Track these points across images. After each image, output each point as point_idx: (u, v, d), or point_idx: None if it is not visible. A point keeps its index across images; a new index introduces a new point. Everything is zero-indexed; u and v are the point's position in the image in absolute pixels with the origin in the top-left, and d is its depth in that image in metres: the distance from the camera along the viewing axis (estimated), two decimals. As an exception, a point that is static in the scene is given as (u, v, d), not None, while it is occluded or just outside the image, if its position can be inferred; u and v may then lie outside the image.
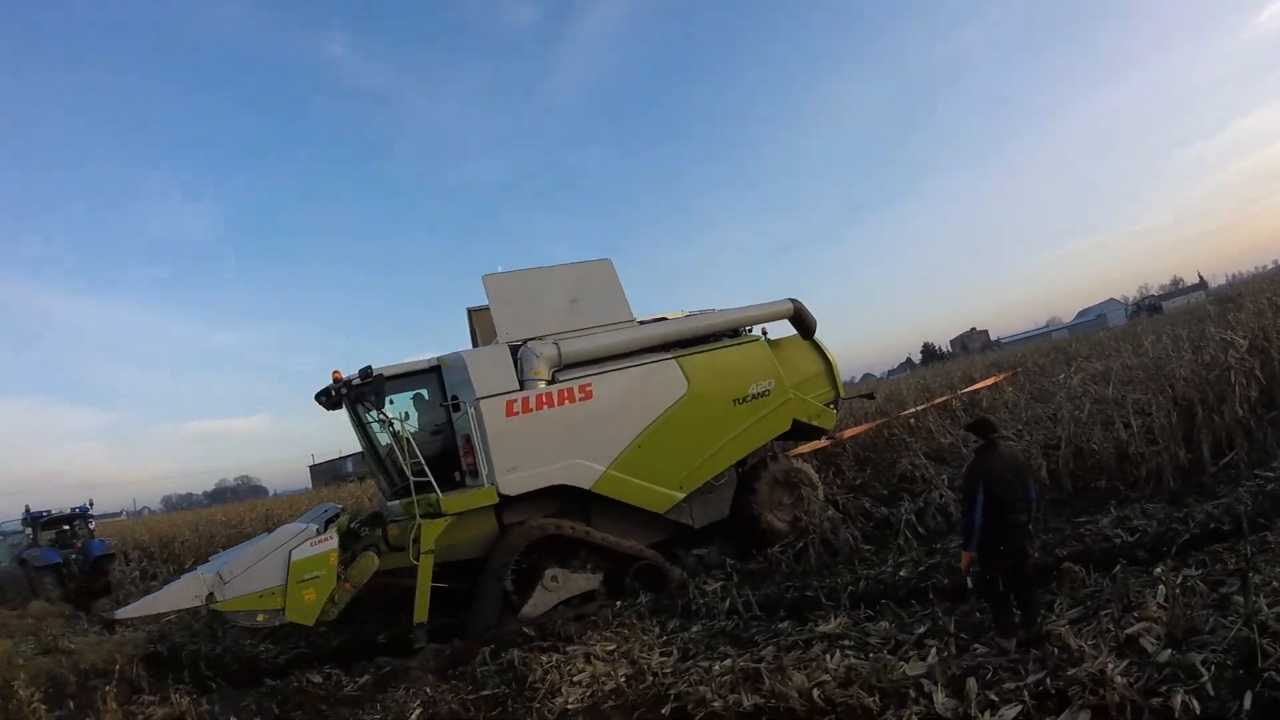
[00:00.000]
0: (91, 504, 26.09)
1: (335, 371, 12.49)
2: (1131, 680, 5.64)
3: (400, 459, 12.22)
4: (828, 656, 7.78)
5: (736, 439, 14.42)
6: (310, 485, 67.03)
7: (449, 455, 12.82)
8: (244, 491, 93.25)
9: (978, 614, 8.25)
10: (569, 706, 8.29)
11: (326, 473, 68.46)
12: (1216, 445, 11.77)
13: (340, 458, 71.96)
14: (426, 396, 13.34)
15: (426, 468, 12.00)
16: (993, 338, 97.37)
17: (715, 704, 7.25)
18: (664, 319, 14.98)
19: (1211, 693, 5.21)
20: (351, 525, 12.61)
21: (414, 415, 13.22)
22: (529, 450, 12.46)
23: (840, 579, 10.85)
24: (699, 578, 12.21)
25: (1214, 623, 6.22)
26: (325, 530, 11.82)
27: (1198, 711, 5.05)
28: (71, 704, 10.74)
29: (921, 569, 10.45)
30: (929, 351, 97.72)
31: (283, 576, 11.22)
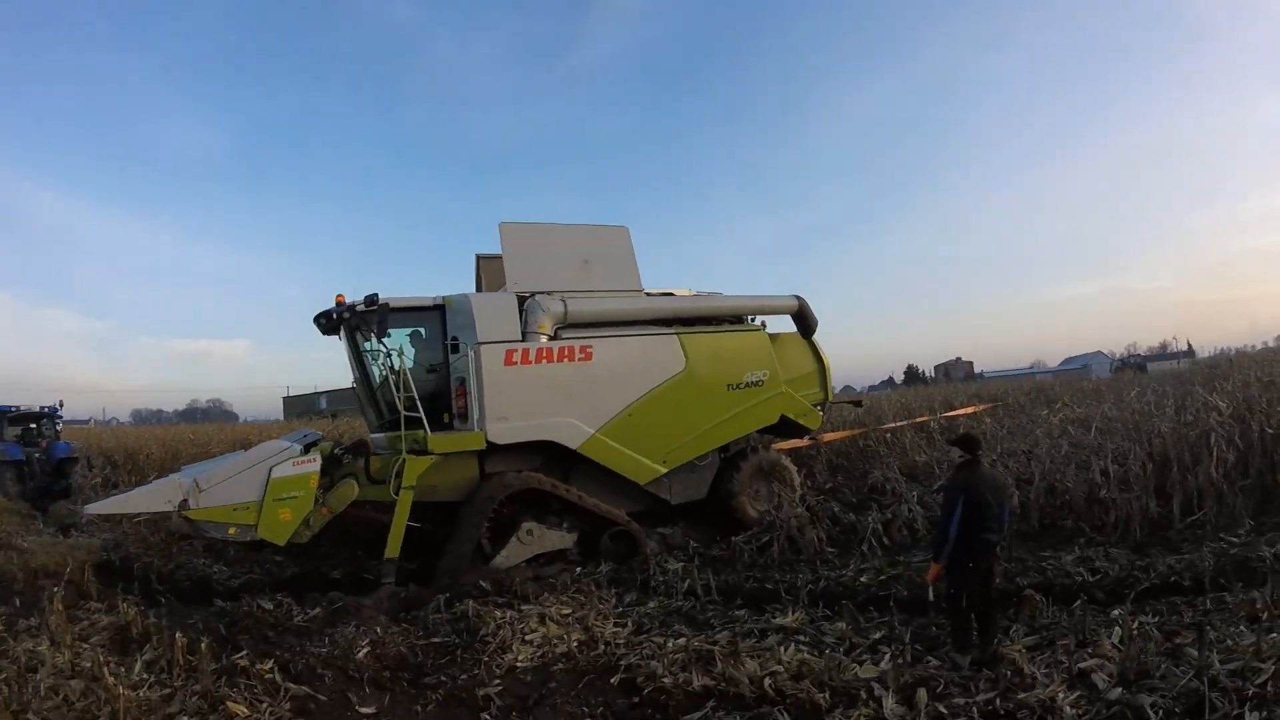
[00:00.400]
0: (61, 405, 25.80)
1: (339, 295, 12.51)
2: (1080, 713, 5.71)
3: (394, 392, 12.23)
4: (782, 649, 7.83)
5: (725, 423, 14.57)
6: (282, 416, 66.94)
7: (440, 397, 12.91)
8: (215, 414, 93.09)
9: (934, 628, 8.33)
10: (518, 664, 8.32)
11: (300, 406, 68.33)
12: (1187, 503, 11.84)
13: (315, 393, 71.80)
14: (424, 334, 13.34)
15: (419, 405, 11.92)
16: (976, 369, 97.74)
17: (665, 680, 7.28)
18: (671, 294, 15.08)
19: (1157, 737, 5.28)
20: (335, 451, 12.55)
21: (409, 352, 13.04)
22: (522, 402, 12.52)
23: (801, 576, 10.89)
24: (660, 556, 12.22)
25: (1165, 669, 6.27)
26: (307, 454, 11.70)
27: (1141, 753, 5.12)
28: (17, 601, 10.67)
29: (883, 578, 10.50)
30: (912, 373, 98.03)
31: (260, 493, 11.16)
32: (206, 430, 35.12)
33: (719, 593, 10.51)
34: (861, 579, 10.63)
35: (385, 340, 12.43)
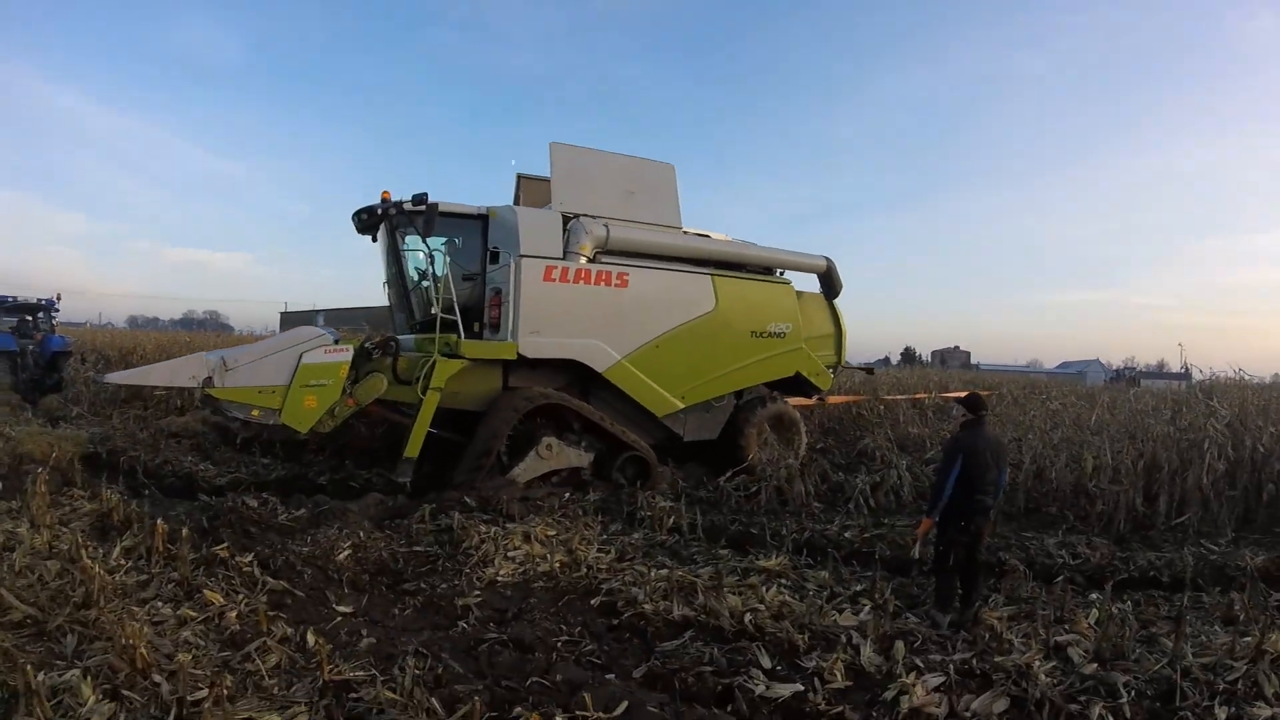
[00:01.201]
0: (59, 298, 25.66)
1: (385, 191, 12.58)
2: (1054, 682, 5.73)
3: (431, 294, 12.66)
4: (765, 588, 7.90)
5: (744, 369, 14.97)
6: (278, 332, 66.69)
7: (472, 307, 12.98)
8: (211, 326, 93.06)
9: (915, 587, 8.42)
10: (499, 578, 8.38)
11: (297, 322, 68.09)
12: (1172, 505, 11.91)
13: (313, 310, 71.55)
14: (460, 243, 13.33)
15: (456, 308, 12.19)
16: (973, 360, 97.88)
17: (645, 606, 7.34)
18: (707, 236, 15.23)
19: (1128, 715, 5.30)
20: (364, 345, 12.53)
21: (441, 258, 13.08)
22: (555, 319, 12.73)
23: (787, 525, 10.95)
24: (647, 491, 12.22)
25: (1140, 654, 6.33)
26: (338, 344, 11.82)
27: (1111, 728, 5.15)
28: (1, 485, 10.66)
29: (867, 535, 10.56)
30: (909, 355, 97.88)
31: (288, 377, 11.32)
32: (203, 337, 34.89)
33: (704, 532, 10.57)
34: (846, 534, 10.71)
35: (429, 241, 12.55)
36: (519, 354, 12.42)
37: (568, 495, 11.65)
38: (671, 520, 10.84)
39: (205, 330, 73.40)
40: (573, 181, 13.50)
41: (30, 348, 23.58)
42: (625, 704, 5.12)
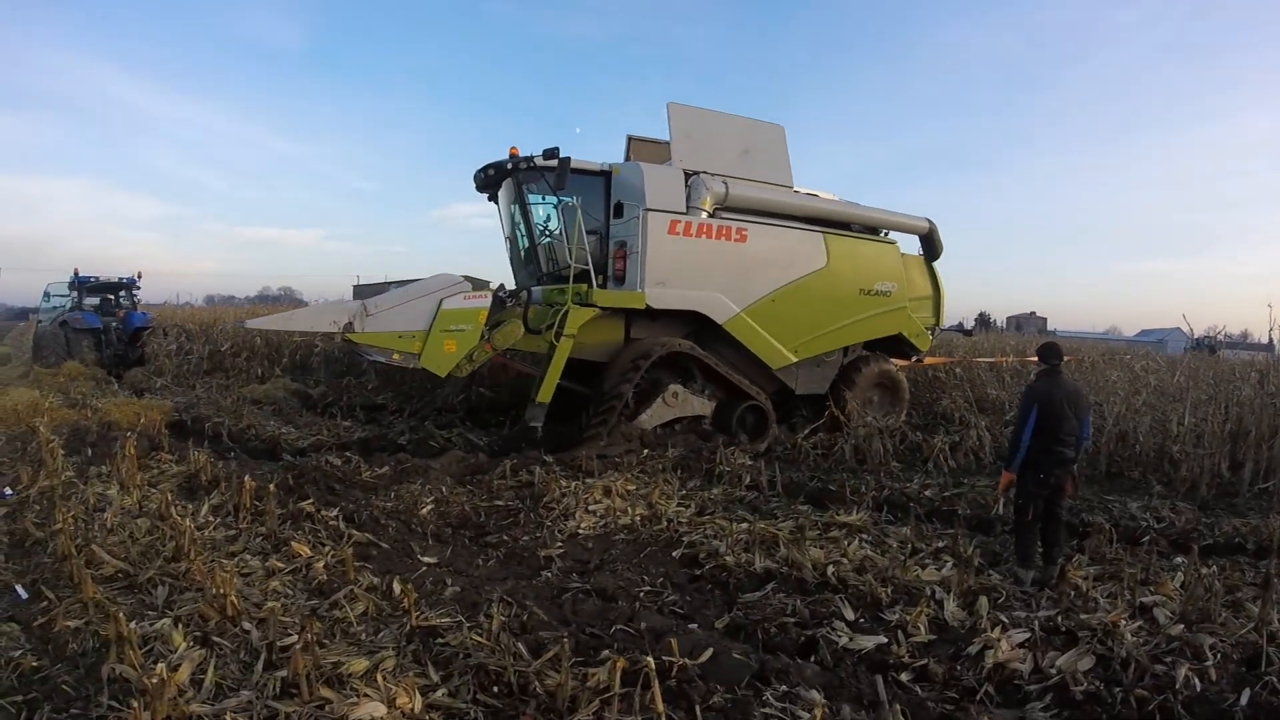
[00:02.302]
0: (139, 276, 26.10)
1: (513, 148, 12.94)
2: (1141, 642, 5.67)
3: (566, 245, 12.98)
4: (846, 543, 7.94)
5: (852, 326, 15.38)
6: (352, 304, 67.40)
7: (594, 261, 13.27)
8: (285, 301, 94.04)
9: (998, 545, 8.33)
10: (580, 530, 8.54)
11: (369, 294, 68.88)
12: (1257, 471, 11.69)
13: (385, 283, 72.46)
14: (579, 200, 13.49)
15: (590, 259, 12.80)
16: (1049, 327, 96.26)
17: (727, 558, 7.42)
18: (816, 195, 15.51)
19: (1213, 678, 5.23)
20: (498, 294, 12.88)
21: (567, 213, 13.52)
22: (679, 271, 13.17)
23: (865, 483, 10.92)
24: (727, 447, 12.23)
25: (1225, 618, 6.23)
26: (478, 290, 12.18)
27: (1197, 689, 5.07)
28: (90, 451, 10.97)
29: (946, 494, 10.49)
30: (983, 320, 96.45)
31: (428, 322, 11.74)
32: (280, 309, 35.35)
33: (783, 488, 10.59)
34: (926, 493, 10.62)
35: (560, 194, 13.05)
36: (646, 304, 12.89)
37: (645, 452, 11.74)
38: (750, 477, 10.86)
39: (281, 304, 74.39)
40: (691, 140, 13.76)
41: (114, 324, 24.08)
42: (709, 651, 5.15)
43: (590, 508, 9.16)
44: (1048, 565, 7.49)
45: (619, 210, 13.40)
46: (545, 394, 12.26)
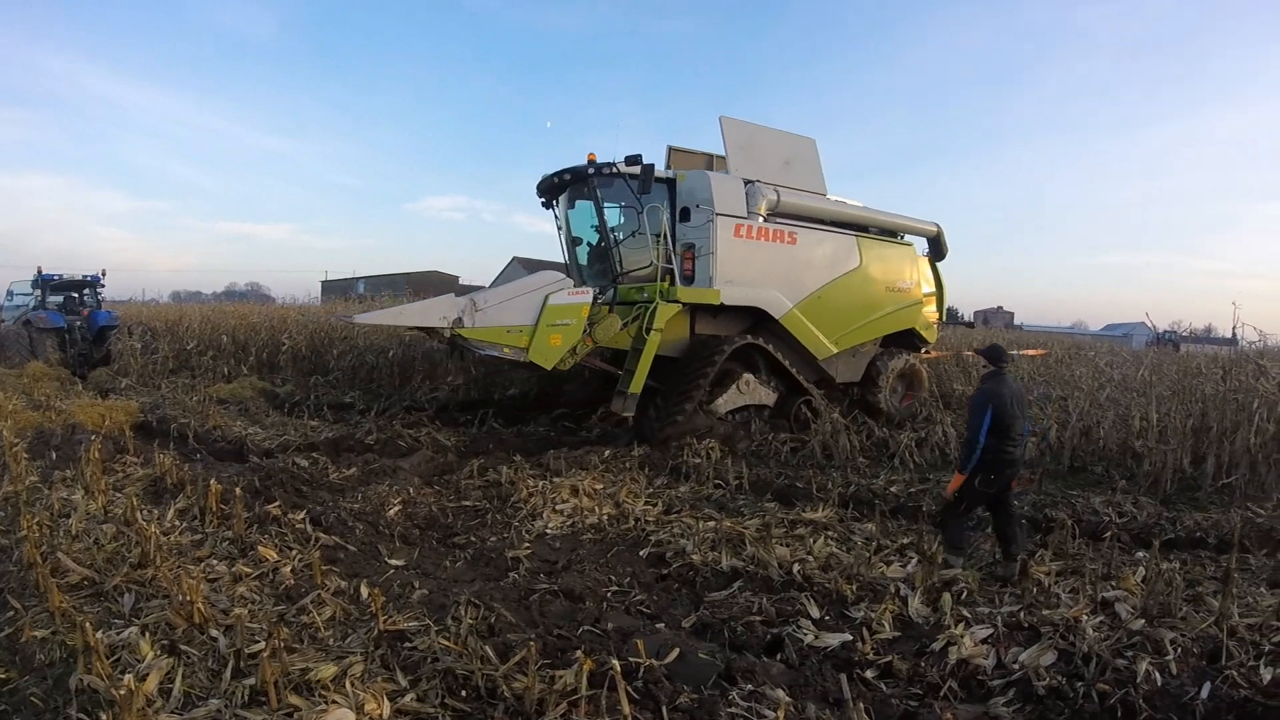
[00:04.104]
0: (104, 274, 25.79)
1: (591, 154, 13.55)
2: (1102, 637, 5.74)
3: (652, 246, 13.65)
4: (812, 540, 8.03)
5: (880, 320, 16.73)
6: (320, 301, 67.18)
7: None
8: (253, 297, 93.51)
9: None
10: (548, 530, 8.57)
11: (337, 290, 68.80)
12: (1219, 466, 11.82)
13: (354, 278, 72.39)
14: (662, 204, 14.12)
15: (675, 258, 13.61)
16: (1016, 321, 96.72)
17: (694, 557, 7.48)
18: (844, 203, 16.63)
19: (1174, 671, 5.29)
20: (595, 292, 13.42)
21: (628, 218, 14.37)
22: (744, 270, 14.15)
23: (832, 480, 11.04)
24: (692, 445, 12.48)
25: (1186, 613, 6.34)
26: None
27: (1158, 684, 5.14)
28: (54, 454, 10.90)
29: (912, 490, 10.61)
30: (950, 315, 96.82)
31: (534, 318, 12.34)
32: (244, 307, 35.06)
33: (750, 485, 10.69)
34: (891, 489, 10.78)
35: (643, 198, 13.43)
36: (720, 301, 13.72)
37: (607, 452, 11.93)
38: (717, 475, 10.98)
39: (247, 300, 74.03)
40: (744, 151, 14.75)
41: (78, 323, 23.93)
42: (676, 651, 5.19)
43: (558, 507, 9.21)
44: (1008, 562, 7.56)
45: (685, 215, 14.12)
46: (637, 385, 12.81)
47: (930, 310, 18.30)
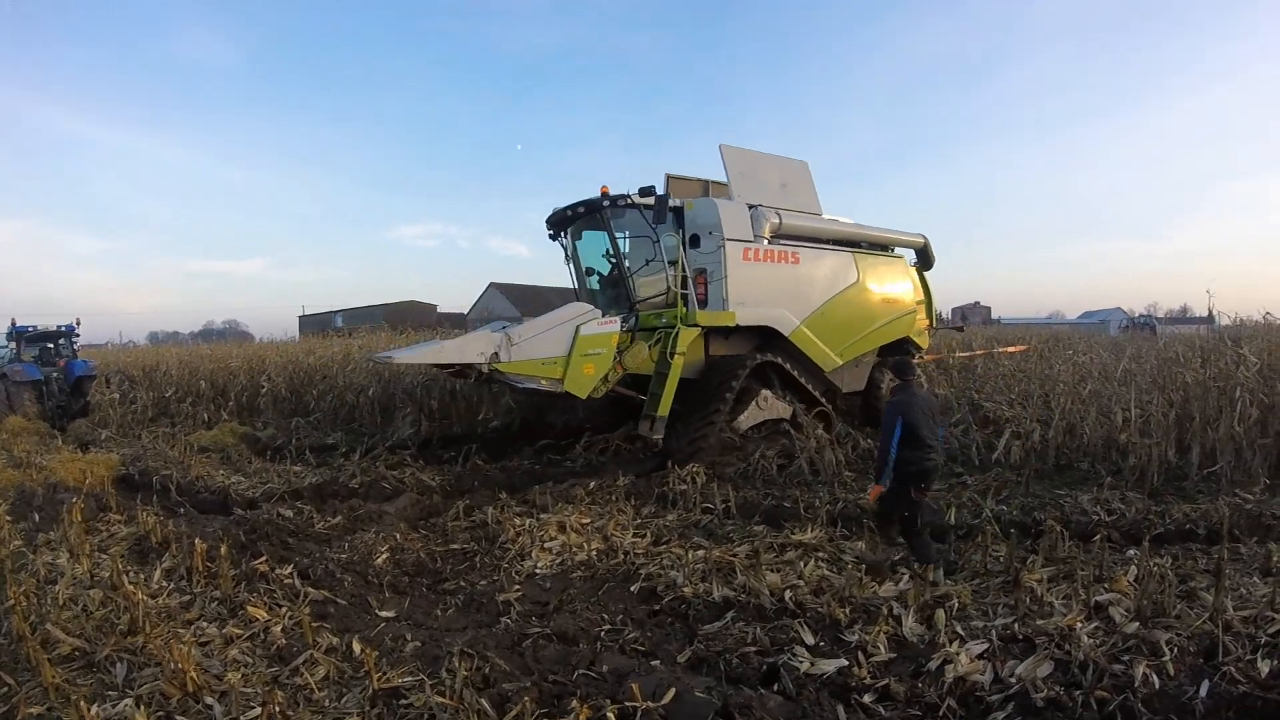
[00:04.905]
0: (78, 322, 25.50)
1: (604, 187, 13.91)
2: (1097, 643, 5.74)
3: (668, 274, 14.05)
4: (802, 564, 8.00)
5: (878, 330, 17.32)
6: (298, 336, 66.92)
7: (669, 288, 14.37)
8: (231, 335, 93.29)
9: (953, 553, 8.40)
10: (537, 570, 8.51)
11: (315, 324, 68.76)
12: (1204, 455, 11.86)
13: (331, 311, 72.45)
14: (677, 233, 14.51)
15: (692, 284, 13.91)
16: (994, 315, 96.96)
17: (685, 589, 7.43)
18: (838, 220, 17.34)
19: (1171, 672, 5.29)
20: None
21: (637, 246, 14.82)
22: (754, 291, 14.53)
23: (820, 496, 10.99)
24: (677, 471, 12.39)
25: (1181, 610, 6.32)
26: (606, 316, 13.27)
27: (1156, 686, 5.14)
28: (37, 516, 10.73)
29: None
30: (938, 319, 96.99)
31: (567, 349, 12.63)
32: (224, 348, 34.90)
33: (738, 509, 10.61)
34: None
35: (659, 227, 13.79)
36: (736, 322, 14.06)
37: (593, 484, 11.90)
38: (704, 499, 10.96)
39: (225, 340, 73.60)
40: (745, 178, 15.39)
41: (55, 375, 23.69)
42: (672, 691, 5.15)
43: (546, 545, 9.15)
44: (888, 545, 8.32)
45: (694, 241, 14.46)
46: (664, 408, 13.06)
47: (922, 318, 18.93)
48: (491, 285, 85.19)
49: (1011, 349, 24.65)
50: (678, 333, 13.31)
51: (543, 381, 12.49)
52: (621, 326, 13.45)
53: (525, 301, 76.50)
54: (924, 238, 19.61)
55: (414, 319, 55.83)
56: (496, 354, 12.09)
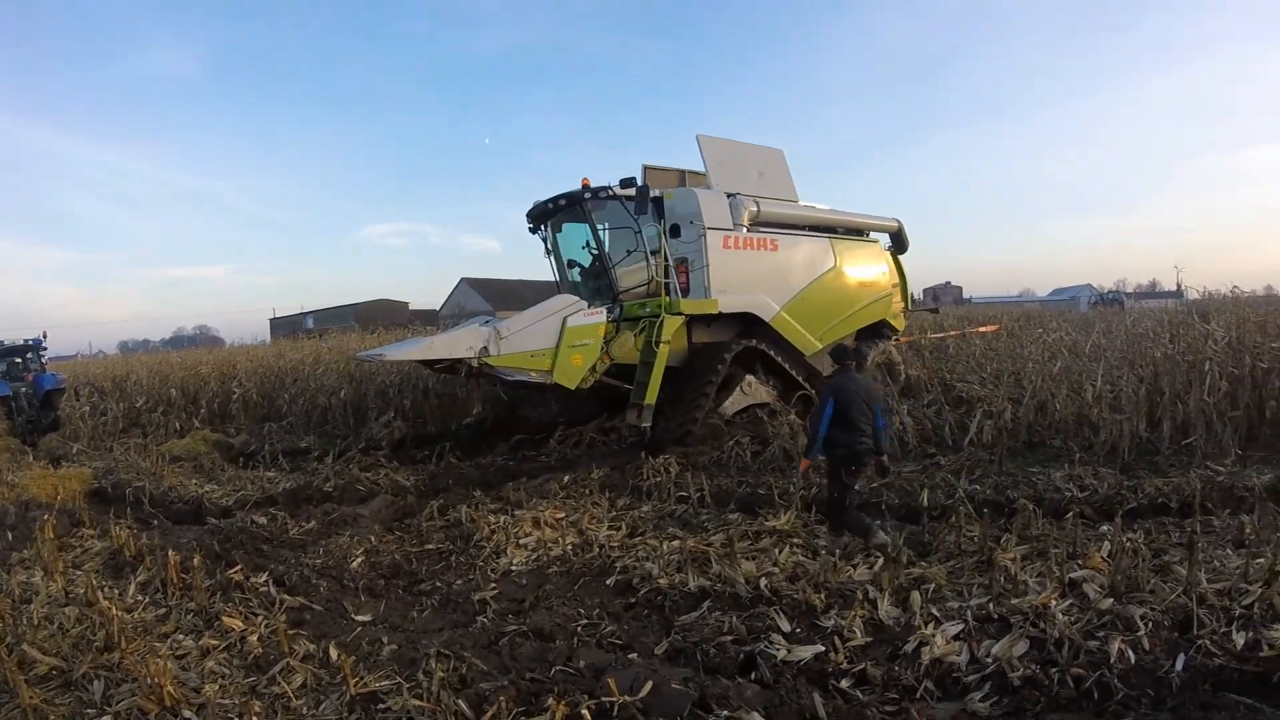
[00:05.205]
0: (45, 336, 25.17)
1: (585, 179, 14.19)
2: (1072, 620, 5.75)
3: (650, 264, 14.39)
4: (777, 550, 8.01)
5: (856, 313, 17.68)
6: (269, 339, 66.53)
7: (650, 277, 14.75)
8: (202, 341, 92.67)
9: (926, 535, 8.48)
10: (513, 568, 8.49)
11: (286, 327, 68.54)
12: (1175, 429, 11.90)
13: (302, 313, 72.17)
14: (659, 223, 14.74)
15: (674, 273, 14.22)
16: (965, 295, 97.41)
17: (661, 581, 7.44)
18: (814, 207, 17.66)
19: (1146, 647, 5.32)
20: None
21: (618, 236, 15.09)
22: (735, 279, 14.83)
23: (794, 482, 10.88)
24: (651, 462, 12.40)
25: (1154, 584, 6.34)
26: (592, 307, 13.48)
27: (1132, 661, 5.17)
28: (10, 535, 10.59)
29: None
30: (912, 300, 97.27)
31: (555, 340, 12.75)
32: (194, 354, 34.58)
33: (712, 498, 10.63)
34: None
35: (641, 218, 14.01)
36: (719, 309, 14.40)
37: (567, 478, 11.95)
38: (678, 489, 10.94)
39: (196, 346, 73.06)
40: (723, 167, 15.65)
41: (23, 390, 23.34)
42: (649, 684, 5.14)
43: (521, 542, 9.13)
44: (832, 534, 8.52)
45: (675, 231, 14.68)
46: (652, 396, 13.20)
47: (897, 300, 19.26)
48: (463, 280, 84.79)
49: (984, 329, 24.78)
50: (663, 321, 13.53)
51: (532, 374, 12.67)
52: (607, 317, 13.60)
53: (497, 296, 76.26)
54: (898, 222, 20.03)
55: (385, 318, 55.59)
56: (485, 348, 12.19)
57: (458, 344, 12.32)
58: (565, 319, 12.86)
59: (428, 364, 13.66)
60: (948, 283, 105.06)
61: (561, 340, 12.74)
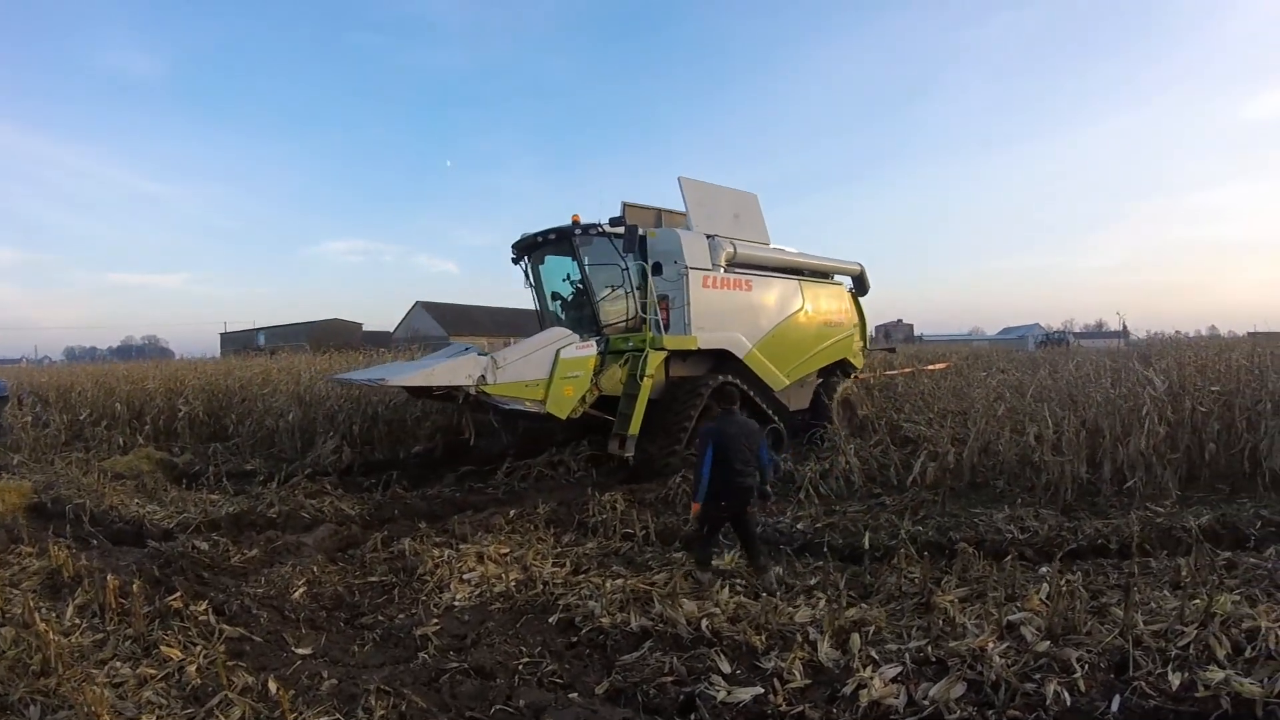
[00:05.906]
0: None
1: (575, 215, 14.68)
2: (1009, 662, 5.80)
3: (637, 300, 15.05)
4: (719, 591, 8.02)
5: (821, 352, 18.65)
6: (219, 353, 65.77)
7: (631, 314, 15.46)
8: (150, 351, 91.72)
9: (868, 575, 8.55)
10: (456, 603, 8.40)
11: (237, 342, 67.94)
12: (1116, 471, 12.06)
13: (254, 329, 71.64)
14: (654, 261, 15.35)
15: (657, 309, 14.75)
16: (916, 333, 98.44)
17: (603, 620, 7.41)
18: (783, 250, 18.66)
19: (1083, 689, 5.37)
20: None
21: (603, 273, 15.43)
22: (713, 317, 15.61)
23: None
24: (598, 498, 12.42)
25: (1091, 626, 6.38)
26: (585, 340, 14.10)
27: (1068, 704, 5.22)
28: (-53, 551, 10.45)
29: (818, 525, 10.67)
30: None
31: (548, 371, 13.34)
32: (140, 367, 34.01)
33: (657, 535, 10.70)
34: (798, 525, 10.89)
35: (628, 256, 14.70)
36: (698, 346, 15.08)
37: (513, 512, 11.92)
38: (624, 525, 10.97)
39: (145, 357, 71.96)
40: (702, 208, 16.49)
41: None
42: (589, 725, 5.15)
43: (465, 577, 9.05)
44: (759, 573, 8.68)
45: (657, 269, 15.19)
46: (635, 427, 13.76)
47: (858, 340, 20.32)
48: (418, 304, 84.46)
49: (934, 366, 25.45)
50: (647, 356, 14.09)
51: (526, 403, 13.19)
52: (596, 350, 14.03)
53: (452, 321, 76.03)
54: (860, 266, 20.97)
55: (338, 338, 55.03)
56: (483, 377, 12.62)
57: (458, 372, 12.67)
58: (559, 351, 13.44)
59: (424, 391, 13.93)
60: (899, 320, 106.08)
61: (555, 372, 13.30)
